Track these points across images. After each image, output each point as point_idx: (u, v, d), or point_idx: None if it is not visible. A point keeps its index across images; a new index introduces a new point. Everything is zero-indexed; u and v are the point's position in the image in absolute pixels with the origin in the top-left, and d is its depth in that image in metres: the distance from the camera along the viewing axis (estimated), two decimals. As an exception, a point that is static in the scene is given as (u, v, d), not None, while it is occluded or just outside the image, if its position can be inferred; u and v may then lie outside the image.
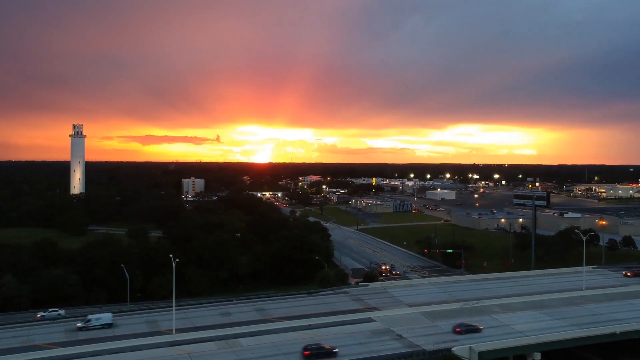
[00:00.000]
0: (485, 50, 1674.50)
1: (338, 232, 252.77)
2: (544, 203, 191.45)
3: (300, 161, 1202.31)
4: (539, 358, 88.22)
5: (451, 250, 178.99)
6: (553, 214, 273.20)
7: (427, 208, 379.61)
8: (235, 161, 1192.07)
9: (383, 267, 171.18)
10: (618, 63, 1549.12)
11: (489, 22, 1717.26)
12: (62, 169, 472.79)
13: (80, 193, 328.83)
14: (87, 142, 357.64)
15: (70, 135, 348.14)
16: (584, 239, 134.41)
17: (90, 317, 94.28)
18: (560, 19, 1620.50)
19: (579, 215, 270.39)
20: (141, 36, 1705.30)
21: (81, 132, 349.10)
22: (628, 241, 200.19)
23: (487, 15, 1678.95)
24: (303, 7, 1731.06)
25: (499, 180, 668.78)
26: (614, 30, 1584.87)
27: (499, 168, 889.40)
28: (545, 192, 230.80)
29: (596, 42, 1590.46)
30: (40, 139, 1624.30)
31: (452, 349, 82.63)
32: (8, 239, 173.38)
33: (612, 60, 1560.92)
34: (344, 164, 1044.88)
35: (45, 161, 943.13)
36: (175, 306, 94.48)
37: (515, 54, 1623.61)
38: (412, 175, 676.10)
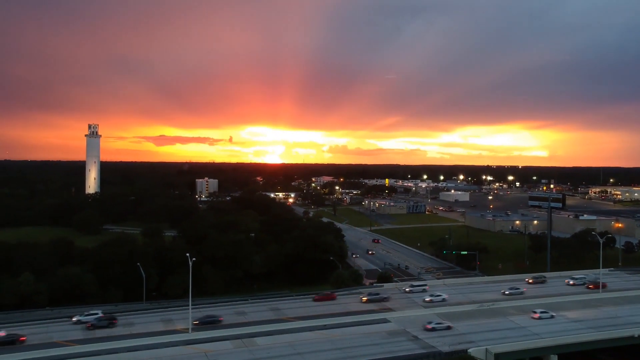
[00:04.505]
0: (489, 53, 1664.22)
1: (351, 233, 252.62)
2: (560, 205, 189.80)
3: (313, 162, 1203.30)
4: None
5: (466, 252, 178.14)
6: (568, 216, 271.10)
7: (441, 209, 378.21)
8: (248, 162, 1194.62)
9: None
10: (622, 64, 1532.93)
11: (491, 26, 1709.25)
12: (77, 169, 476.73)
13: (95, 192, 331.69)
14: (102, 142, 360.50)
15: (85, 135, 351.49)
16: (601, 241, 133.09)
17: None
18: (560, 22, 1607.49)
19: (594, 217, 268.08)
20: (154, 38, 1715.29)
21: (96, 132, 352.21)
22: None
23: (489, 19, 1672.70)
24: (311, 10, 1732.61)
25: (513, 182, 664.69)
26: (616, 32, 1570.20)
27: (512, 169, 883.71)
28: (560, 194, 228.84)
29: (599, 44, 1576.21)
30: (56, 138, 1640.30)
31: (468, 351, 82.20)
32: (24, 237, 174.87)
33: (616, 61, 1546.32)
34: (356, 165, 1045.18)
35: (60, 161, 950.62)
36: (191, 305, 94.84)
37: (518, 57, 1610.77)
38: (425, 177, 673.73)
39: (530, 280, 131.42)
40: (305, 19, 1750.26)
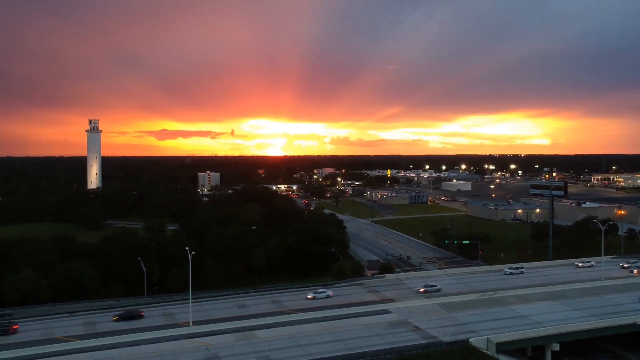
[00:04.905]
0: (489, 42, 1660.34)
1: (353, 224, 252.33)
2: (562, 193, 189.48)
3: (315, 154, 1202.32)
4: (558, 349, 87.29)
5: (468, 241, 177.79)
6: (570, 204, 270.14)
7: (443, 199, 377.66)
8: (250, 154, 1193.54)
9: None
10: (623, 51, 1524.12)
11: (491, 15, 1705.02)
12: (79, 164, 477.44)
13: (97, 188, 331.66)
14: (103, 138, 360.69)
15: (86, 131, 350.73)
16: (603, 228, 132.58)
17: None
18: (560, 9, 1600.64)
19: (597, 205, 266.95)
20: (155, 33, 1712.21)
21: (97, 127, 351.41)
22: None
23: (489, 8, 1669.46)
24: (311, 2, 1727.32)
25: (515, 170, 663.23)
26: (616, 18, 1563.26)
27: (515, 158, 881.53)
28: (562, 182, 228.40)
29: (599, 30, 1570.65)
30: (58, 134, 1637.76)
31: (470, 340, 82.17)
32: (27, 233, 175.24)
33: (617, 48, 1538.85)
34: (358, 156, 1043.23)
35: (62, 157, 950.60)
36: (192, 299, 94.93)
37: (518, 45, 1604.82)
38: (427, 167, 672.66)
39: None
40: (305, 11, 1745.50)
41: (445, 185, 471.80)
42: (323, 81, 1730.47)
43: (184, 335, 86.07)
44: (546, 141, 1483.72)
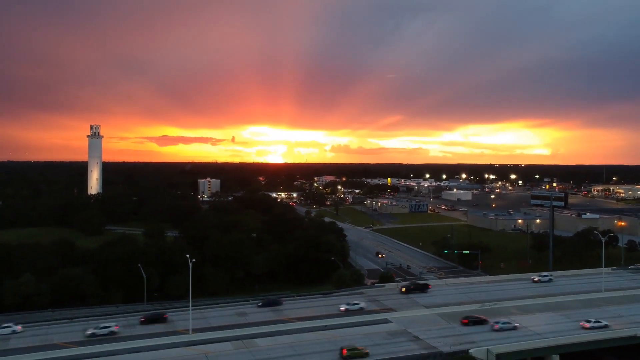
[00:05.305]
0: (490, 52, 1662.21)
1: (353, 233, 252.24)
2: (562, 204, 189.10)
3: (315, 161, 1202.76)
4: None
5: (468, 251, 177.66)
6: (571, 214, 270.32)
7: (443, 208, 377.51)
8: (251, 161, 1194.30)
9: None
10: (624, 61, 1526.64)
11: (492, 24, 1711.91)
12: (79, 169, 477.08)
13: (98, 193, 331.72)
14: (104, 143, 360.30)
15: (87, 136, 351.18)
16: (603, 240, 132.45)
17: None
18: (560, 19, 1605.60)
19: (597, 216, 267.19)
20: (157, 39, 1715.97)
21: (98, 133, 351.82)
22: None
23: (489, 17, 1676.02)
24: (312, 10, 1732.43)
25: (516, 180, 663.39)
26: (617, 28, 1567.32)
27: (515, 168, 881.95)
28: (563, 193, 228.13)
29: (600, 40, 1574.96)
30: (59, 139, 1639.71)
31: (470, 351, 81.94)
32: (27, 238, 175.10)
33: (618, 58, 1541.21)
34: (358, 164, 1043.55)
35: (63, 161, 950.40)
36: (192, 306, 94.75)
37: (519, 55, 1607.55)
38: (427, 176, 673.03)
39: None
40: (306, 19, 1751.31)
41: (446, 195, 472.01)
42: (323, 89, 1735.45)
43: (184, 342, 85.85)
44: (546, 151, 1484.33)
